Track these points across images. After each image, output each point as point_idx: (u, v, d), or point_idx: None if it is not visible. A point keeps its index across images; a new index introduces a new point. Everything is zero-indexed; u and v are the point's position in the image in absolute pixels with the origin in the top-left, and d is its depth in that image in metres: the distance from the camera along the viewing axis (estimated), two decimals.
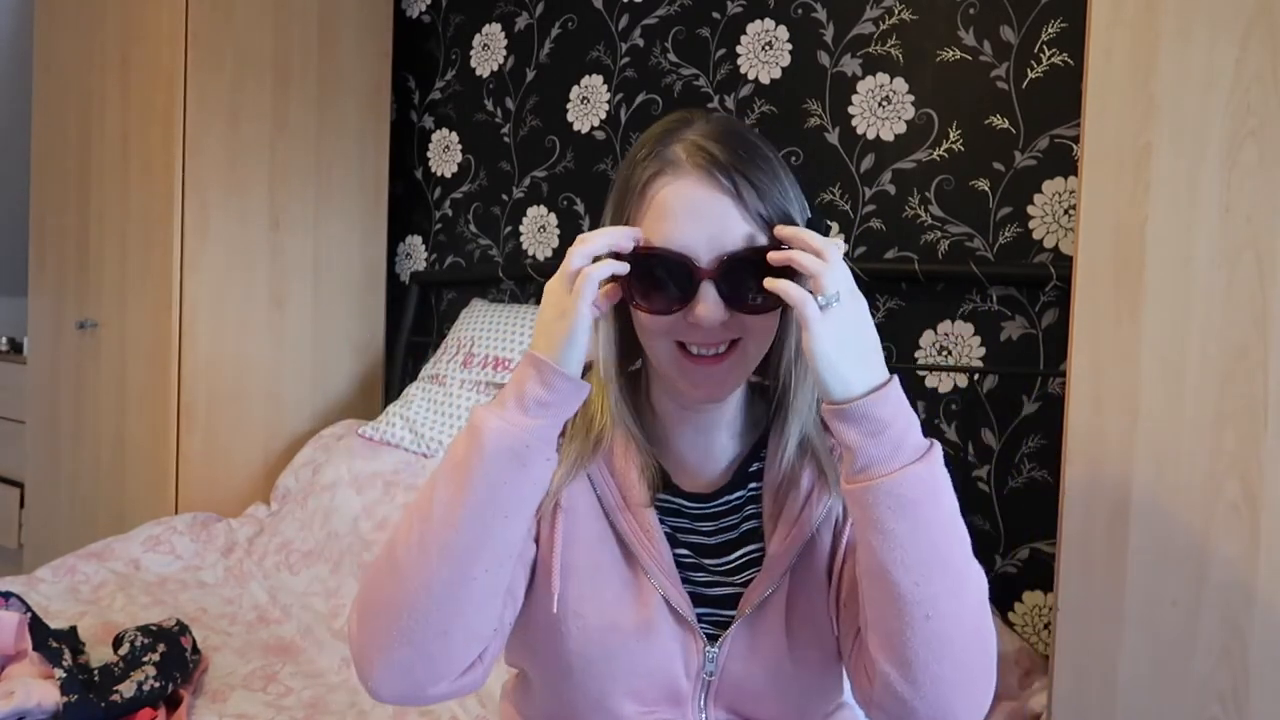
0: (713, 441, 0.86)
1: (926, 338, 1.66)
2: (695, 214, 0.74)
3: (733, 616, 0.82)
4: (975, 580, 0.72)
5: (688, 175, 0.75)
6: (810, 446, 0.84)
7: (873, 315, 1.67)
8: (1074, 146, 1.51)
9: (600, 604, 0.80)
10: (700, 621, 0.82)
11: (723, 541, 0.85)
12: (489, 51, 2.35)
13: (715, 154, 0.75)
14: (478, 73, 2.37)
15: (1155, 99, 1.02)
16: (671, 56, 2.01)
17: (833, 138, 1.76)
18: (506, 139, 2.30)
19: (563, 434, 0.83)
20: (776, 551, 0.82)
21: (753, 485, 0.86)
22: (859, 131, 1.74)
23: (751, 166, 0.76)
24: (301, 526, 1.87)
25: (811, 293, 0.69)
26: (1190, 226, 1.00)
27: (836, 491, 0.82)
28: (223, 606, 1.71)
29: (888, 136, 1.71)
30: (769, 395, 0.86)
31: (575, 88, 2.17)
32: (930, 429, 1.65)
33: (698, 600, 0.83)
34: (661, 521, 0.83)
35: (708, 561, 0.84)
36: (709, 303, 0.74)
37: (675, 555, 0.83)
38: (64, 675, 1.22)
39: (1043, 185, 1.55)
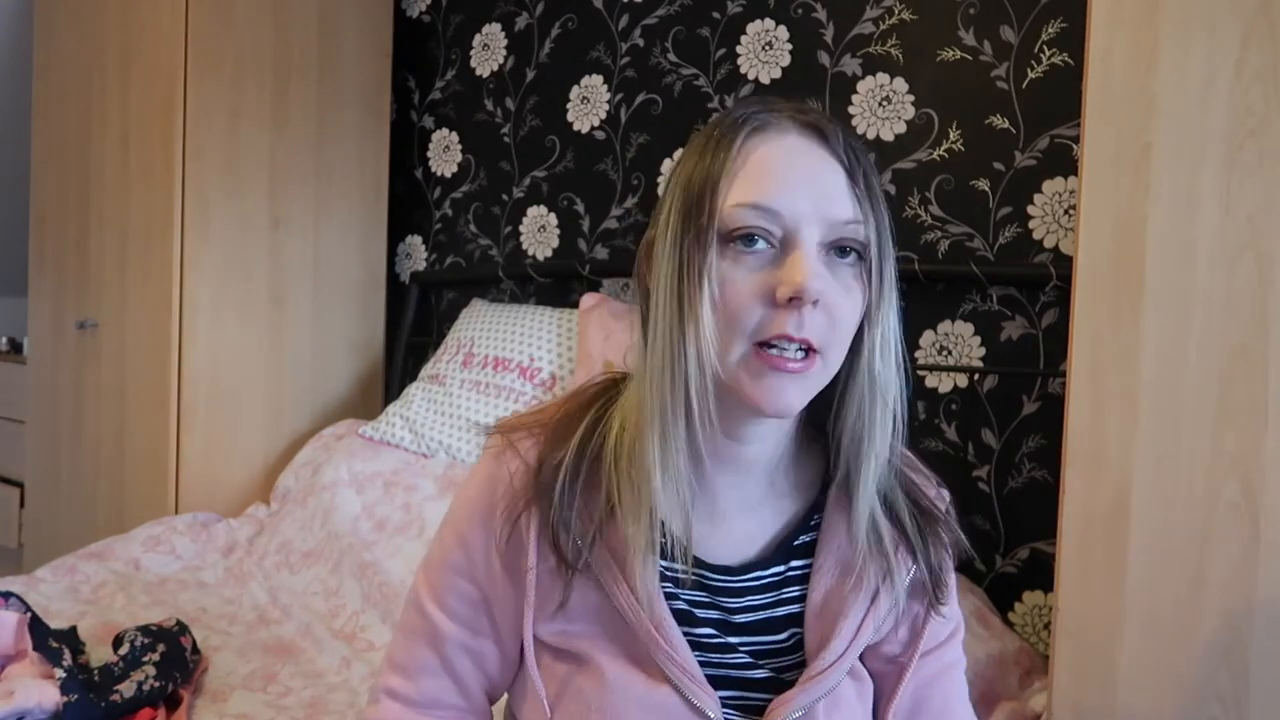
0: (749, 492, 0.73)
1: (926, 338, 1.66)
2: (803, 175, 0.65)
3: (768, 700, 0.70)
4: None
5: (794, 135, 0.66)
6: (878, 526, 0.71)
7: None
8: (1074, 146, 1.51)
9: (598, 698, 0.69)
10: (727, 707, 0.70)
11: (750, 621, 0.72)
12: (489, 51, 2.35)
13: (827, 122, 0.67)
14: (478, 73, 2.37)
15: (1155, 99, 1.02)
16: (671, 56, 2.01)
17: None
18: (506, 139, 2.30)
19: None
20: (827, 663, 0.70)
21: (797, 563, 0.74)
22: (859, 131, 1.74)
23: (861, 149, 0.68)
24: (301, 526, 1.87)
25: None
26: (1190, 226, 1.00)
27: (903, 587, 0.72)
28: (223, 606, 1.71)
29: (888, 136, 1.71)
30: (828, 449, 0.73)
31: (575, 88, 2.17)
32: (930, 429, 1.65)
33: (723, 683, 0.70)
34: (675, 596, 0.70)
35: (735, 640, 0.72)
36: (808, 259, 0.63)
37: (696, 636, 0.70)
38: (64, 675, 1.22)
39: (1043, 185, 1.55)
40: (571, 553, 0.68)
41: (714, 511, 0.73)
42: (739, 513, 0.73)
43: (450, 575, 0.75)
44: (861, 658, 0.76)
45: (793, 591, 0.73)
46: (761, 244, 0.64)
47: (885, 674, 0.76)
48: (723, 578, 0.72)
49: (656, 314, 0.67)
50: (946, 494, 0.80)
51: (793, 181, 0.64)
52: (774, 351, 0.64)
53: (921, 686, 0.77)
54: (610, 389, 0.76)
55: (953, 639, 0.79)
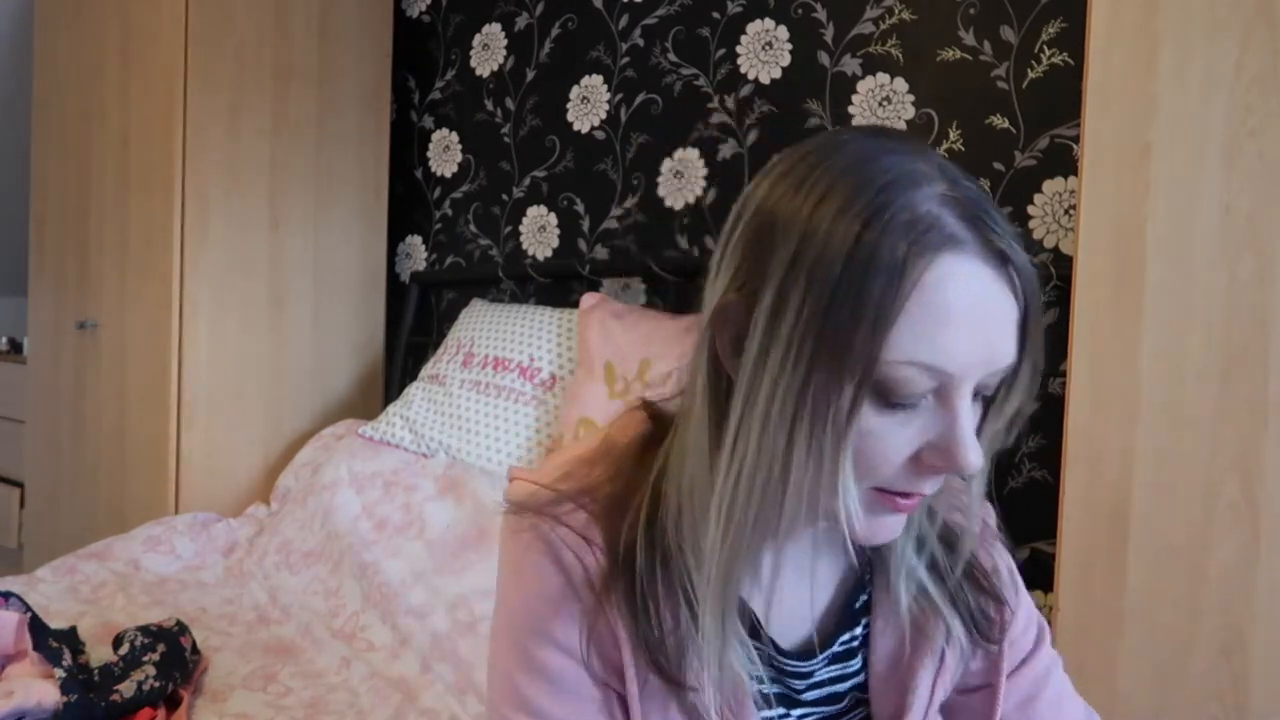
0: (805, 559, 0.68)
1: None
2: (982, 323, 0.53)
3: None
4: None
5: (979, 265, 0.53)
6: (925, 585, 0.66)
7: None
8: (1074, 146, 1.51)
9: None
10: None
11: (815, 696, 0.68)
12: (489, 51, 2.35)
13: (1012, 245, 0.54)
14: (478, 73, 2.37)
15: (1155, 99, 1.02)
16: (671, 56, 2.00)
17: None
18: (506, 139, 2.30)
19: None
20: None
21: (859, 631, 0.69)
22: None
23: (1038, 271, 0.56)
24: (301, 526, 1.87)
25: None
26: (1190, 226, 1.00)
27: (966, 643, 0.67)
28: (223, 606, 1.71)
29: None
30: None
31: (575, 88, 2.17)
32: None
33: None
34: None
35: (797, 713, 0.67)
36: (970, 430, 0.55)
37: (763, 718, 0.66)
38: (64, 675, 1.22)
39: (1043, 185, 1.55)
40: (674, 665, 0.60)
41: (774, 585, 0.66)
42: (796, 578, 0.68)
43: (547, 686, 0.64)
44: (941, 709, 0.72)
45: (855, 661, 0.69)
46: (919, 401, 0.55)
47: (976, 710, 0.71)
48: (795, 663, 0.67)
49: (752, 426, 0.55)
50: (991, 512, 0.75)
51: (971, 333, 0.53)
52: (898, 495, 0.57)
53: (1024, 705, 0.71)
54: (653, 445, 0.66)
55: (1039, 647, 0.74)
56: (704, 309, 0.60)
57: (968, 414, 0.54)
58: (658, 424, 0.68)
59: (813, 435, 0.53)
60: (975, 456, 0.54)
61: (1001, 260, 0.54)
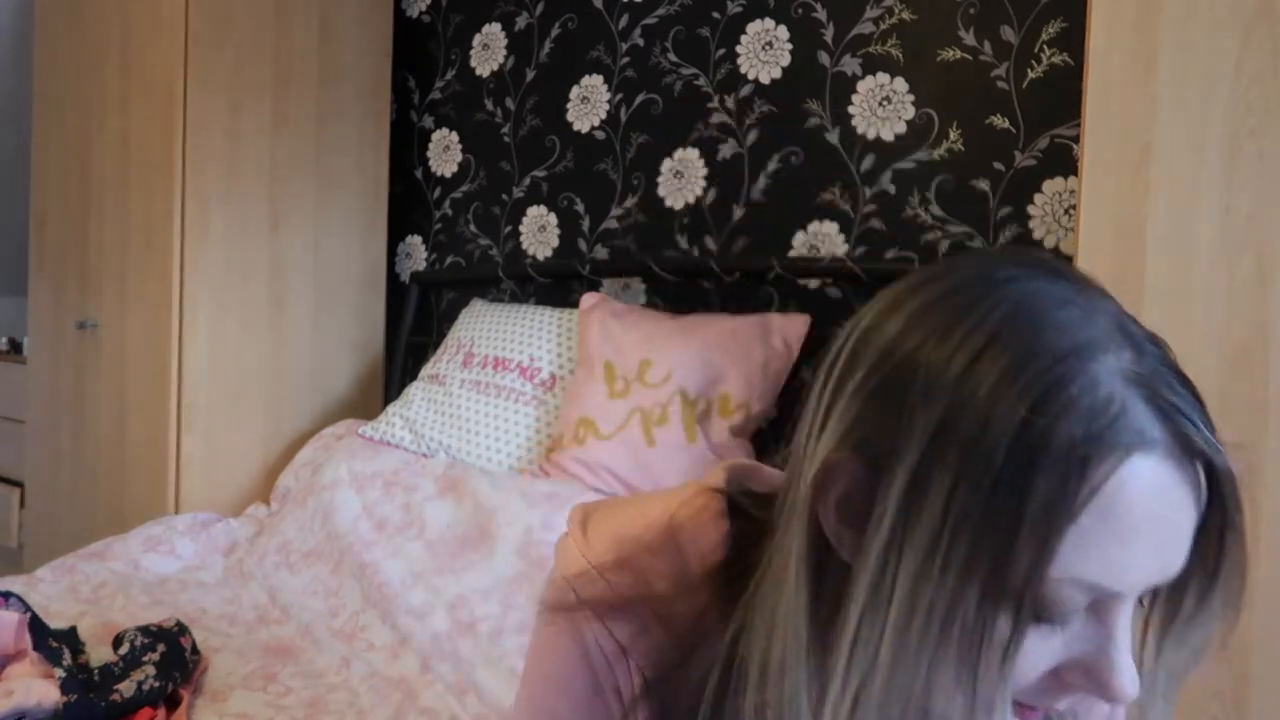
0: None
1: None
2: (1163, 532, 0.45)
3: None
4: None
5: (1164, 461, 0.44)
6: None
7: None
8: (1074, 146, 1.51)
9: None
10: None
11: None
12: (489, 51, 2.35)
13: (1200, 428, 0.46)
14: (478, 72, 2.37)
15: (1155, 99, 1.02)
16: (671, 56, 2.01)
17: (833, 138, 1.76)
18: (506, 139, 2.30)
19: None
20: None
21: None
22: (859, 131, 1.74)
23: (1234, 473, 0.48)
24: (301, 526, 1.87)
25: None
26: (1190, 226, 1.00)
27: None
28: (223, 606, 1.71)
29: (888, 136, 1.71)
30: None
31: (575, 88, 2.17)
32: None
33: None
34: None
35: None
36: (1128, 653, 0.46)
37: None
38: (64, 675, 1.22)
39: (1043, 185, 1.55)
40: None
41: None
42: None
43: None
44: None
45: None
46: (1071, 617, 0.46)
47: None
48: None
49: (884, 638, 0.45)
50: None
51: (1149, 550, 0.44)
52: (1024, 706, 0.49)
53: None
54: (731, 563, 0.57)
55: None
56: (801, 461, 0.50)
57: (1126, 634, 0.46)
58: (735, 523, 0.58)
59: (962, 663, 0.44)
60: (1130, 684, 0.45)
61: (1192, 457, 0.45)
